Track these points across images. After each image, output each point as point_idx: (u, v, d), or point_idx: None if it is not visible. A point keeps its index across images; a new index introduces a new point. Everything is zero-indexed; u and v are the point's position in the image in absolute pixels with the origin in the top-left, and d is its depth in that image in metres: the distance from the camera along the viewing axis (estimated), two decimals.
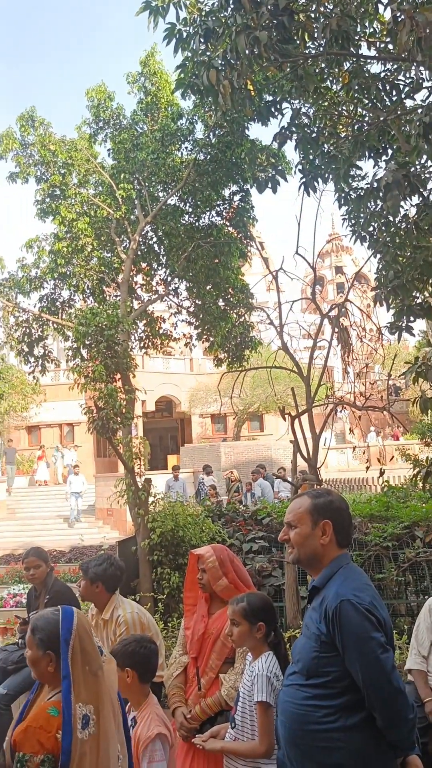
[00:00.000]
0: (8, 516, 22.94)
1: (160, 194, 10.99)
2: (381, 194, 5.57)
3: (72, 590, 5.18)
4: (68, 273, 11.28)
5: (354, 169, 6.88)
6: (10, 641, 6.67)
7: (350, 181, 6.93)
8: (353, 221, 7.13)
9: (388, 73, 6.34)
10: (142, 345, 12.54)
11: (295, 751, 2.34)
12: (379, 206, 6.48)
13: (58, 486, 25.93)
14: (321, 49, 5.86)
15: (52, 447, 29.29)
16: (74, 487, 20.84)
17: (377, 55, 6.24)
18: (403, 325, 6.65)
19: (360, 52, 6.05)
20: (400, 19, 4.79)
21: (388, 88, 6.25)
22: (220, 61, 5.53)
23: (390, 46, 6.03)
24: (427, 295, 6.94)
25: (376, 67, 6.63)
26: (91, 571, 4.23)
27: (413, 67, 5.50)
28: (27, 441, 31.31)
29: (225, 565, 3.60)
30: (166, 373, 33.07)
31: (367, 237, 7.06)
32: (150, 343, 12.51)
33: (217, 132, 10.20)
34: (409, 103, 6.34)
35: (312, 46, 6.10)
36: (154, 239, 11.71)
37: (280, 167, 7.90)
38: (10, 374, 24.08)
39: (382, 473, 7.91)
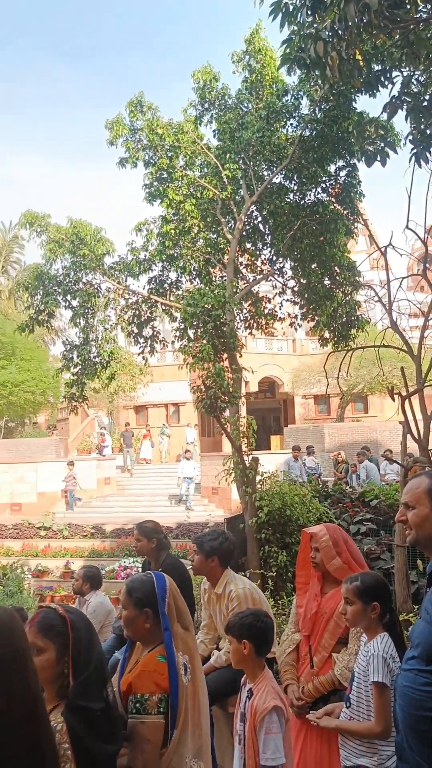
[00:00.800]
0: (118, 492, 23.88)
1: (265, 173, 10.90)
2: None
3: (183, 564, 5.29)
4: (175, 255, 11.46)
5: None
6: None
7: None
8: None
9: None
10: (246, 325, 12.58)
11: (414, 737, 2.29)
12: None
13: (164, 465, 26.58)
14: None
15: (158, 426, 30.05)
16: (186, 471, 20.87)
17: None
18: None
19: None
20: None
21: None
22: (327, 32, 5.39)
23: None
24: None
25: None
26: (207, 545, 4.29)
27: None
28: (135, 420, 32.39)
29: (339, 544, 3.58)
30: (269, 354, 33.05)
31: None
32: (255, 324, 12.53)
33: (323, 106, 9.96)
34: None
35: (424, 9, 5.84)
36: (259, 219, 11.66)
37: (389, 139, 7.64)
38: (119, 355, 24.94)
39: None
